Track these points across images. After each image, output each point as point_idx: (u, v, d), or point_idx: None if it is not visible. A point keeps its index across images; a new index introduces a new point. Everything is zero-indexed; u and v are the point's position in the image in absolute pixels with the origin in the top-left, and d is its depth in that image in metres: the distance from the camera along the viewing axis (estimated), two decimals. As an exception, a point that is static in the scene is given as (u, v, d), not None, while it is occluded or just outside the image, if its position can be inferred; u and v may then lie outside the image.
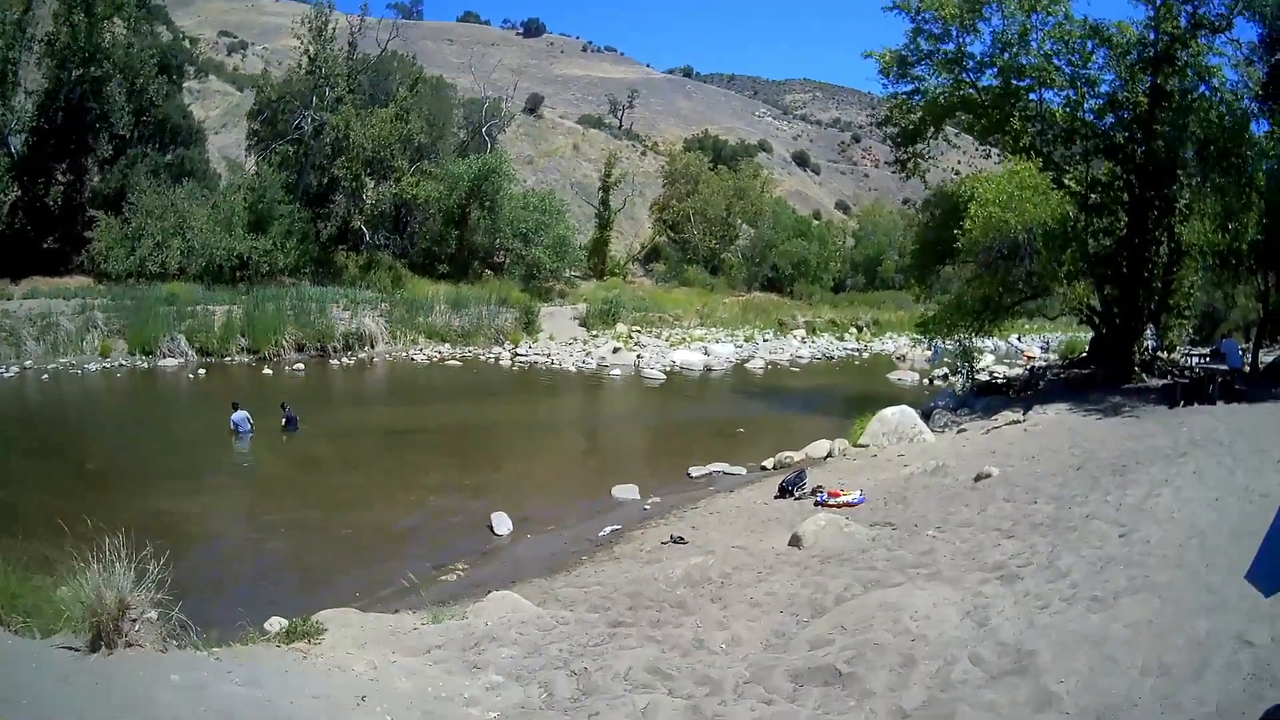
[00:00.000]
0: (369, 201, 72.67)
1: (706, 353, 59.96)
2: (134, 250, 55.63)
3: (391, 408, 41.17)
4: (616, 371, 51.76)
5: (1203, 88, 35.57)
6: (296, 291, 56.96)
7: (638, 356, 56.32)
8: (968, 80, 40.18)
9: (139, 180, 59.32)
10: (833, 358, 67.80)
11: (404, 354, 55.02)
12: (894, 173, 48.68)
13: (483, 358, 54.81)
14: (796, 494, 22.90)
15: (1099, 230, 38.86)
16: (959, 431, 31.68)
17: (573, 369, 52.27)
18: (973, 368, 43.11)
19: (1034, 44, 37.59)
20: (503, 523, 21.53)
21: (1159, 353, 40.22)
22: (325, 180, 69.84)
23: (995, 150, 40.55)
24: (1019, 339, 79.71)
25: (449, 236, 74.67)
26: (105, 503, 21.73)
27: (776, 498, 23.08)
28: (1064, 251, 34.55)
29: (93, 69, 58.55)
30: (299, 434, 31.63)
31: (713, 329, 72.46)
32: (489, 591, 15.24)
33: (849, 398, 44.24)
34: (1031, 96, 39.17)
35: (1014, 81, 38.82)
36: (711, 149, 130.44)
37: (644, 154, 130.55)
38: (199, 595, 14.61)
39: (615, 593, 15.22)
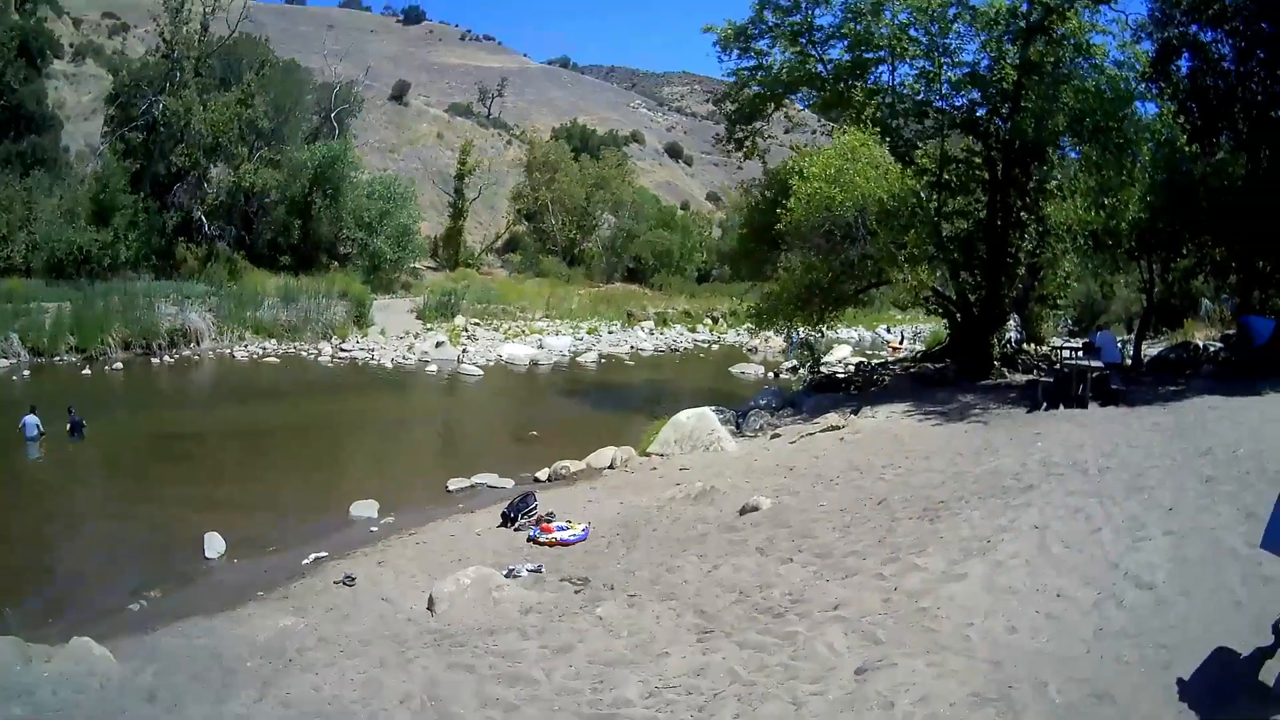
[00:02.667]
0: (210, 191, 67.81)
1: (541, 346, 56.63)
2: (-22, 245, 52.57)
3: (183, 410, 37.03)
4: (433, 367, 48.09)
5: (1082, 63, 32.49)
6: (127, 286, 52.54)
7: (462, 351, 52.78)
8: (814, 55, 36.75)
9: (-12, 171, 56.22)
10: (677, 350, 64.97)
11: (229, 351, 50.59)
12: (729, 153, 44.76)
13: (305, 354, 50.76)
14: (518, 522, 18.53)
15: (954, 212, 35.72)
16: (772, 437, 27.11)
17: (390, 364, 48.67)
18: (816, 361, 40.06)
19: (888, 14, 34.00)
20: (215, 544, 18.61)
21: (1024, 345, 37.15)
22: (173, 169, 65.04)
23: (839, 127, 36.08)
24: (887, 329, 77.22)
25: (292, 227, 71.11)
26: None
27: (499, 526, 18.80)
28: (905, 233, 30.55)
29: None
30: (82, 439, 28.60)
31: (558, 321, 69.33)
32: (156, 627, 14.21)
33: (675, 394, 40.46)
34: (882, 69, 35.91)
35: (864, 54, 35.41)
36: (579, 138, 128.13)
37: (509, 143, 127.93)
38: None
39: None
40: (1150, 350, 39.25)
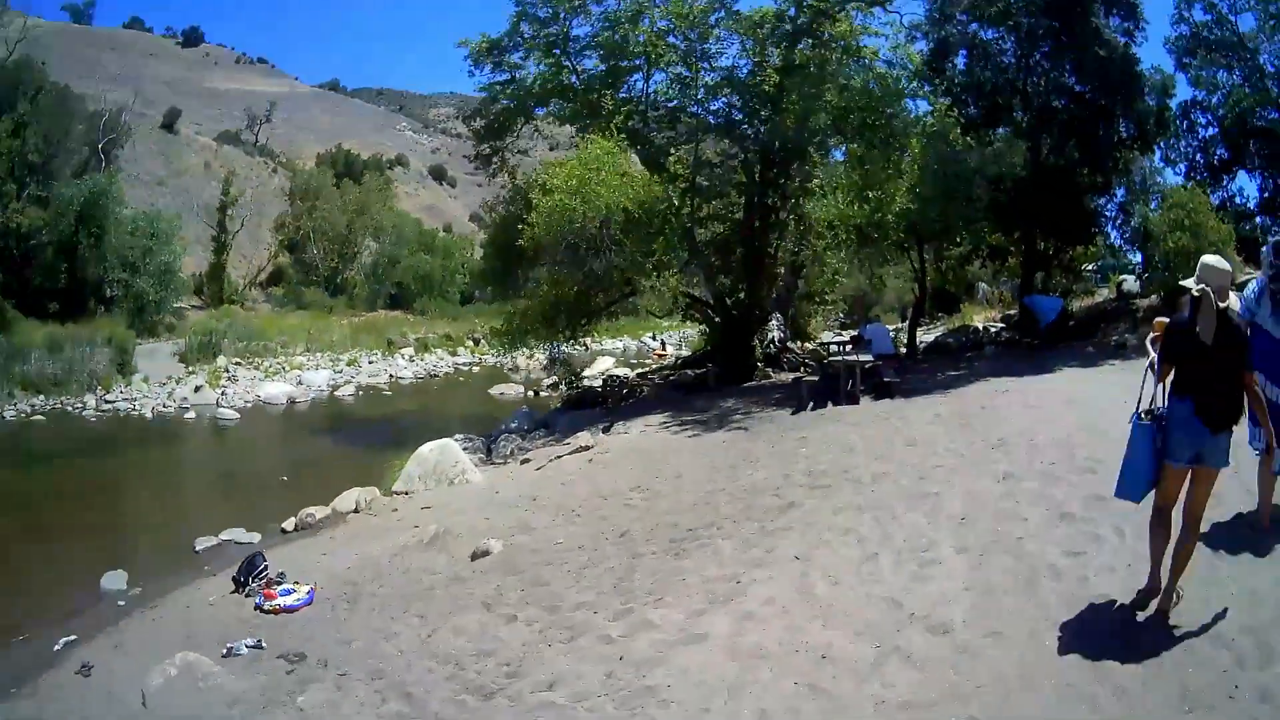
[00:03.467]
0: None
1: (300, 382, 54.49)
2: None
3: None
4: (192, 414, 45.89)
5: (850, 64, 32.63)
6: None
7: (221, 394, 50.40)
8: (568, 65, 35.94)
9: None
10: (437, 375, 64.13)
11: (-1, 411, 48.10)
12: (477, 169, 44.06)
13: (71, 409, 47.18)
14: (249, 586, 16.60)
15: (710, 216, 35.59)
16: (522, 462, 25.56)
17: (150, 415, 46.08)
18: (575, 376, 40.00)
19: (646, 22, 33.53)
20: None
21: (789, 343, 36.64)
22: None
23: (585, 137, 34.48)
24: (653, 337, 77.44)
25: (59, 270, 66.01)
26: None
27: (232, 592, 16.83)
28: (654, 241, 30.21)
29: None
30: None
31: (319, 354, 67.74)
32: None
33: (431, 422, 38.09)
34: (636, 77, 35.39)
35: (620, 63, 34.82)
36: (343, 164, 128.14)
37: (274, 171, 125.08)
38: None
39: None
40: (927, 337, 40.20)
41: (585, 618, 11.33)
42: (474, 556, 15.82)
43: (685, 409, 28.28)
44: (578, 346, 37.26)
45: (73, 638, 16.13)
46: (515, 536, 16.43)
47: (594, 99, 34.53)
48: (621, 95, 34.92)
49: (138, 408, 47.33)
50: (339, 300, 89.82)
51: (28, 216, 62.26)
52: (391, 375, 61.60)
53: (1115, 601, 9.37)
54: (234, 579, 17.23)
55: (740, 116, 34.85)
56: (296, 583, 16.33)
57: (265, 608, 15.56)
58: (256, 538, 22.16)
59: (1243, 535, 10.43)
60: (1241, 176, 43.44)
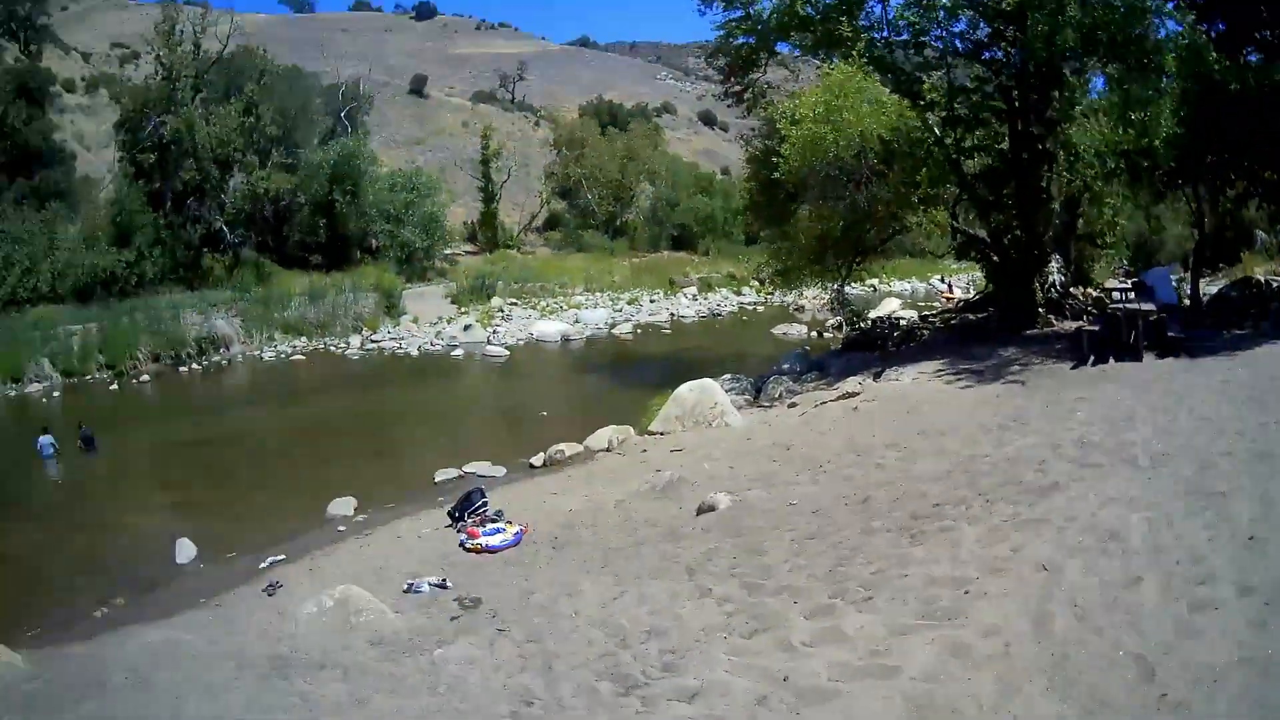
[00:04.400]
0: (227, 201, 66.65)
1: (577, 321, 54.85)
2: (4, 279, 53.45)
3: (199, 417, 35.29)
4: (459, 352, 46.63)
5: None
6: (150, 301, 52.14)
7: (491, 332, 51.22)
8: (802, -5, 33.74)
9: (4, 209, 58.77)
10: (720, 315, 62.26)
11: (258, 353, 49.52)
12: (730, 106, 42.93)
13: (334, 349, 49.52)
14: (465, 522, 16.46)
15: (975, 146, 32.63)
16: (790, 406, 24.18)
17: (416, 352, 47.35)
18: (857, 317, 38.04)
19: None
20: (185, 550, 18.25)
21: (1070, 288, 33.55)
22: (190, 184, 64.34)
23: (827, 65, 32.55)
24: (941, 279, 72.53)
25: (318, 226, 70.19)
26: None
27: (447, 526, 16.82)
28: (917, 172, 27.94)
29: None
30: (96, 453, 28.51)
31: (599, 294, 67.75)
32: (96, 634, 13.79)
33: (707, 361, 36.82)
34: (873, 3, 32.87)
35: None
36: (606, 113, 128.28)
37: (537, 125, 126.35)
38: None
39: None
40: (1209, 289, 35.93)
41: (780, 608, 9.46)
42: (699, 511, 14.69)
43: (962, 356, 26.21)
44: (860, 287, 35.22)
45: (281, 557, 17.29)
46: (750, 490, 14.99)
47: (832, 28, 32.15)
48: (862, 24, 32.63)
49: (403, 346, 49.24)
50: (619, 243, 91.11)
51: (275, 181, 65.68)
52: (673, 314, 61.36)
53: None
54: (449, 513, 17.15)
55: (985, 38, 32.07)
56: (509, 522, 15.94)
57: (467, 545, 15.42)
58: (502, 471, 22.28)
59: None
60: None
